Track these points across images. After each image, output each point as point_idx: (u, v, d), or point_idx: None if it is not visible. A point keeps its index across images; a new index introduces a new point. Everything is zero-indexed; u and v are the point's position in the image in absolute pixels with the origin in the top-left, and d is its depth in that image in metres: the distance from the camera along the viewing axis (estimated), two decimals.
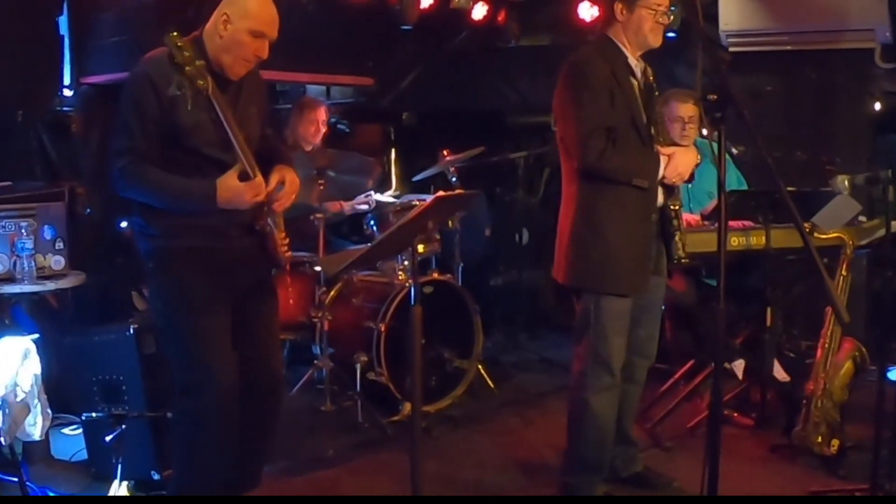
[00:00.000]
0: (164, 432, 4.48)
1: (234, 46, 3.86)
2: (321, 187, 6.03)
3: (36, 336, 4.57)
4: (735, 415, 5.70)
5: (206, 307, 3.95)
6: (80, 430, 5.06)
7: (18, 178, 5.69)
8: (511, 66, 8.52)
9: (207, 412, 3.95)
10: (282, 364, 4.41)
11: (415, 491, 3.88)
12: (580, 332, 4.50)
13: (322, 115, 6.71)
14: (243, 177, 3.83)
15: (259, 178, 3.87)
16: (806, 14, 6.90)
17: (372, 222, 6.21)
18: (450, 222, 6.27)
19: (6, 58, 5.84)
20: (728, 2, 7.06)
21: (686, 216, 5.18)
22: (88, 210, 6.10)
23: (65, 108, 6.50)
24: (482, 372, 6.40)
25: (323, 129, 6.71)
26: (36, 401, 4.43)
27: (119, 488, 4.42)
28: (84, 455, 5.01)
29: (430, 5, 7.42)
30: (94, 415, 4.74)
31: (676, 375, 5.87)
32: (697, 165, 4.50)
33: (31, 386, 4.42)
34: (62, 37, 6.24)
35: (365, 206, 6.68)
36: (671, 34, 6.45)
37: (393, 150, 9.19)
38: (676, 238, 4.45)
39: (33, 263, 4.94)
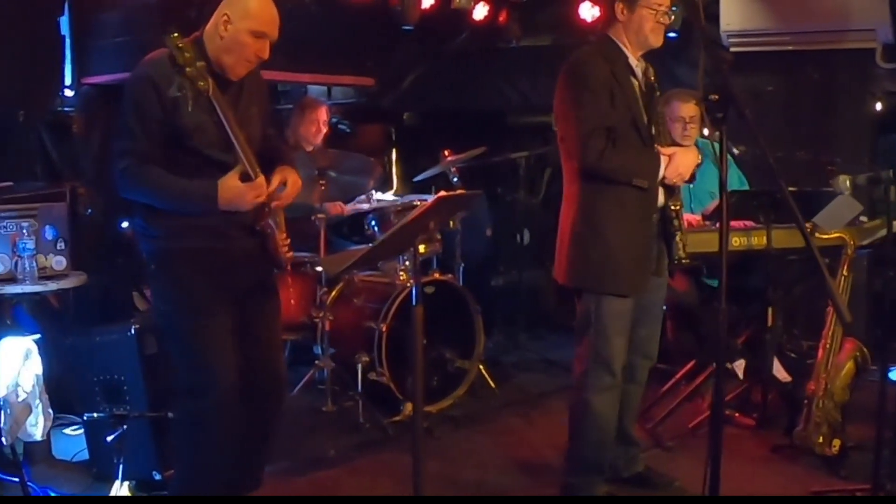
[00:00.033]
0: (166, 432, 4.49)
1: (235, 47, 3.86)
2: (322, 188, 6.03)
3: (37, 336, 4.57)
4: (736, 415, 5.70)
5: (207, 308, 3.95)
6: (82, 431, 5.06)
7: (19, 178, 5.70)
8: (512, 67, 8.51)
9: (209, 413, 3.95)
10: (284, 364, 4.40)
11: (416, 491, 3.87)
12: (581, 333, 4.50)
13: (323, 115, 6.71)
14: (244, 177, 3.83)
15: (261, 178, 3.87)
16: (807, 14, 6.90)
17: (373, 222, 6.21)
18: (451, 222, 6.27)
19: (7, 58, 5.84)
20: (729, 2, 7.05)
21: (687, 216, 5.18)
22: (90, 210, 6.10)
23: (66, 109, 6.51)
24: (483, 372, 6.40)
25: (324, 130, 6.72)
26: (37, 401, 4.43)
27: (120, 488, 4.42)
28: (85, 455, 5.01)
29: (432, 5, 7.42)
30: (95, 415, 4.74)
31: (678, 375, 5.87)
32: (698, 166, 4.50)
33: (33, 386, 4.42)
34: (63, 37, 6.24)
35: (366, 206, 6.68)
36: (672, 34, 6.45)
37: (394, 151, 9.20)
38: (677, 238, 4.45)
39: (35, 264, 4.94)
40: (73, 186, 5.81)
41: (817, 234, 4.95)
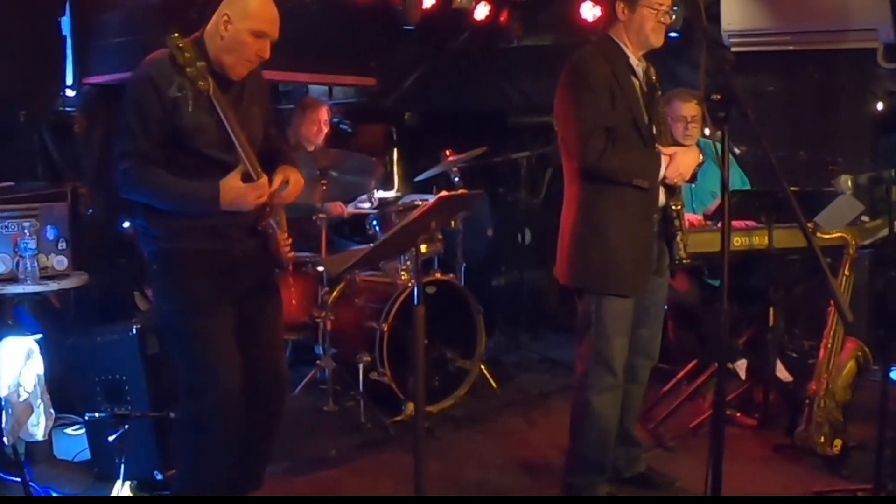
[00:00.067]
0: (167, 432, 4.49)
1: (236, 47, 3.86)
2: (324, 187, 6.03)
3: (39, 336, 4.57)
4: (738, 415, 5.70)
5: (210, 309, 3.95)
6: (83, 431, 5.06)
7: (21, 178, 5.69)
8: (513, 67, 8.51)
9: (211, 413, 3.95)
10: (285, 365, 4.40)
11: (418, 491, 3.87)
12: (582, 333, 4.50)
13: (324, 114, 6.71)
14: (246, 178, 3.82)
15: (263, 178, 3.87)
16: (808, 14, 6.90)
17: (374, 222, 6.21)
18: (452, 222, 6.27)
19: (8, 58, 5.84)
20: (730, 2, 7.05)
21: (688, 216, 5.18)
22: (91, 210, 6.10)
23: (67, 109, 6.50)
24: (485, 372, 6.40)
25: (325, 129, 6.72)
26: (39, 401, 4.43)
27: (122, 488, 4.42)
28: (87, 455, 5.01)
29: (433, 5, 7.42)
30: (96, 415, 4.74)
31: (679, 375, 5.87)
32: (700, 165, 4.50)
33: (34, 386, 4.43)
34: (64, 37, 6.24)
35: (367, 205, 6.68)
36: (673, 34, 6.44)
37: (395, 151, 9.20)
38: (678, 238, 4.44)
39: (36, 264, 4.94)
40: (74, 186, 5.81)
41: (819, 234, 4.94)
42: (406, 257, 6.03)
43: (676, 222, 4.45)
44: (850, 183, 4.86)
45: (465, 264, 6.75)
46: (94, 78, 6.36)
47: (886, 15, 6.64)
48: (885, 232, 5.21)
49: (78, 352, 4.90)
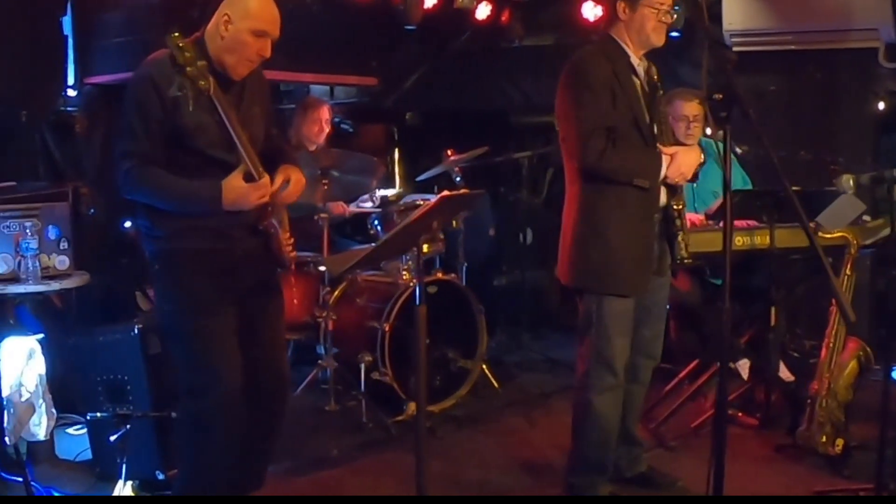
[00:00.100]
0: (169, 432, 4.49)
1: (237, 46, 3.85)
2: (325, 187, 6.03)
3: (40, 336, 4.57)
4: (739, 414, 5.69)
5: (212, 309, 3.95)
6: (85, 430, 5.07)
7: (22, 178, 5.69)
8: (515, 66, 8.51)
9: (212, 414, 3.95)
10: (287, 364, 4.39)
11: (419, 491, 3.87)
12: (583, 333, 4.50)
13: (325, 114, 6.71)
14: (248, 177, 3.82)
15: (265, 178, 3.86)
16: (810, 14, 6.90)
17: (376, 222, 6.22)
18: (454, 222, 6.26)
19: (10, 58, 5.84)
20: (732, 1, 7.06)
21: (690, 216, 5.18)
22: (92, 210, 6.10)
23: (68, 109, 6.51)
24: (486, 372, 6.40)
25: (326, 129, 6.72)
26: (41, 401, 4.44)
27: (123, 488, 4.42)
28: (88, 455, 5.01)
29: (434, 5, 7.43)
30: (98, 415, 4.74)
31: (681, 375, 5.87)
32: (701, 165, 4.49)
33: (36, 386, 4.43)
34: (66, 37, 6.24)
35: (369, 205, 6.68)
36: (675, 34, 6.44)
37: (397, 150, 9.20)
38: (679, 238, 4.44)
39: (38, 263, 4.94)
40: (75, 186, 5.81)
41: (820, 234, 4.93)
42: (407, 257, 6.03)
43: (678, 222, 4.45)
44: (851, 182, 4.86)
45: (466, 264, 6.75)
46: (96, 78, 6.37)
47: (888, 14, 6.64)
48: (886, 231, 5.20)
49: (80, 352, 4.90)
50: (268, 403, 4.19)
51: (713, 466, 3.61)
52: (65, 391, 4.90)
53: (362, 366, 5.82)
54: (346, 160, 6.30)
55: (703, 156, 4.51)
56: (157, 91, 3.78)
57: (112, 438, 4.50)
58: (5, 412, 4.36)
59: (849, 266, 5.04)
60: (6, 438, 4.40)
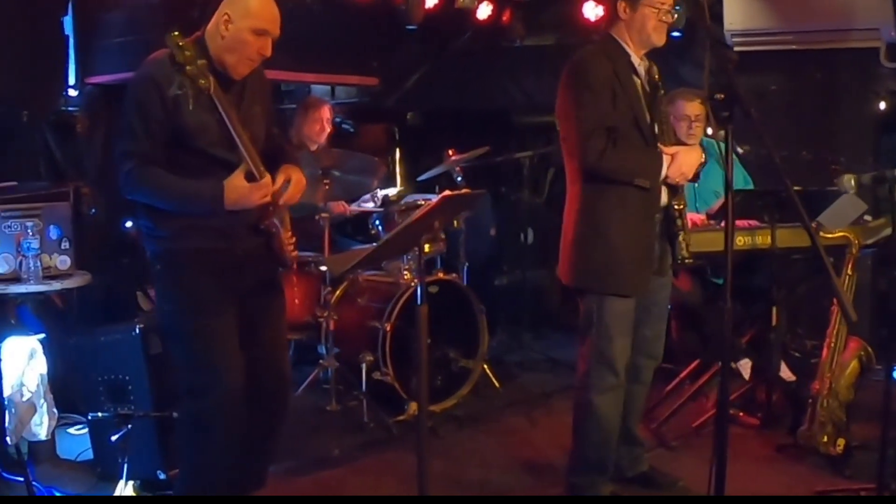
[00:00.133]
0: (170, 432, 4.48)
1: (238, 46, 3.85)
2: (326, 187, 6.03)
3: (42, 336, 4.58)
4: (741, 414, 5.69)
5: (213, 309, 3.94)
6: (86, 430, 5.07)
7: (23, 178, 5.69)
8: (516, 66, 8.52)
9: (212, 414, 3.95)
10: (288, 364, 4.39)
11: (420, 491, 3.87)
12: (584, 333, 4.50)
13: (326, 113, 6.72)
14: (249, 177, 3.82)
15: (267, 178, 3.86)
16: (811, 13, 6.90)
17: (377, 222, 6.22)
18: (455, 222, 6.26)
19: (11, 58, 5.85)
20: (733, 1, 7.05)
21: (691, 216, 5.18)
22: (94, 210, 6.10)
23: (70, 109, 6.51)
24: (487, 371, 6.40)
25: (328, 128, 6.73)
26: (42, 400, 4.44)
27: (125, 488, 4.42)
28: (90, 455, 5.01)
29: (435, 5, 7.43)
30: (99, 414, 4.74)
31: (682, 375, 5.87)
32: (702, 165, 4.49)
33: (37, 386, 4.44)
34: (67, 37, 6.25)
35: (370, 205, 6.68)
36: (676, 34, 6.44)
37: (398, 150, 9.20)
38: (680, 238, 4.43)
39: (39, 263, 4.94)
40: (76, 186, 5.81)
41: (822, 234, 4.93)
42: (408, 257, 6.03)
43: (679, 222, 4.45)
44: (853, 182, 4.86)
45: (467, 264, 6.76)
46: (97, 78, 6.37)
47: (889, 14, 6.64)
48: (887, 231, 5.21)
49: (81, 351, 4.90)
50: (269, 403, 4.19)
51: (715, 466, 3.60)
52: (66, 391, 4.91)
53: (363, 365, 5.81)
54: (347, 160, 6.30)
55: (704, 156, 4.51)
56: (158, 91, 3.77)
57: (113, 438, 4.50)
58: (7, 412, 4.37)
59: (850, 266, 5.04)
60: (8, 438, 4.41)
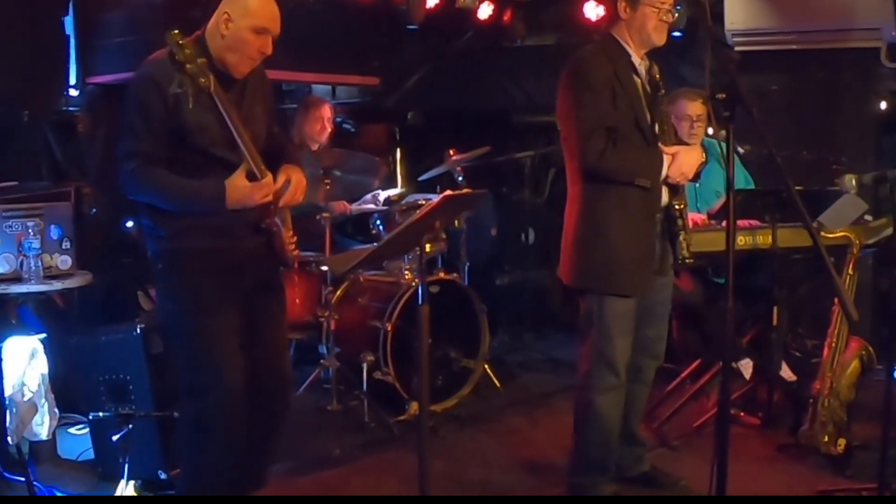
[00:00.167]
0: (171, 432, 4.48)
1: (238, 45, 3.85)
2: (327, 187, 6.04)
3: (43, 336, 4.58)
4: (742, 414, 5.69)
5: (215, 308, 3.94)
6: (87, 430, 5.07)
7: (24, 178, 5.69)
8: (517, 66, 8.51)
9: (212, 414, 3.95)
10: (289, 364, 4.39)
11: (421, 491, 3.87)
12: (584, 333, 4.50)
13: (327, 112, 6.72)
14: (250, 176, 3.81)
15: (268, 177, 3.85)
16: (812, 13, 6.90)
17: (378, 222, 6.21)
18: (456, 222, 6.27)
19: (12, 58, 5.85)
20: (734, 1, 7.05)
21: (692, 215, 5.17)
22: (94, 210, 6.10)
23: (70, 108, 6.51)
24: (488, 371, 6.40)
25: (329, 127, 6.73)
26: (43, 400, 4.44)
27: (126, 488, 4.42)
28: (91, 454, 5.01)
29: (436, 5, 7.43)
30: (100, 414, 4.74)
31: (683, 375, 5.86)
32: (703, 164, 4.49)
33: (38, 385, 4.44)
34: (68, 37, 6.25)
35: (372, 206, 6.68)
36: (677, 33, 6.44)
37: (399, 150, 9.20)
38: (681, 238, 4.43)
39: (40, 263, 4.94)
40: (77, 186, 5.81)
41: (823, 234, 4.93)
42: (410, 256, 6.03)
43: (679, 221, 4.44)
44: (854, 182, 4.86)
45: (468, 264, 6.76)
46: (98, 77, 6.37)
47: (890, 14, 6.64)
48: (889, 231, 5.21)
49: (82, 351, 4.91)
50: (270, 403, 4.19)
51: (716, 466, 3.60)
52: (67, 391, 4.90)
53: (364, 365, 5.82)
54: (348, 160, 6.31)
55: (705, 155, 4.50)
56: (159, 90, 3.77)
57: (114, 438, 4.50)
58: (8, 412, 4.37)
59: (851, 266, 5.04)
60: (9, 438, 4.41)
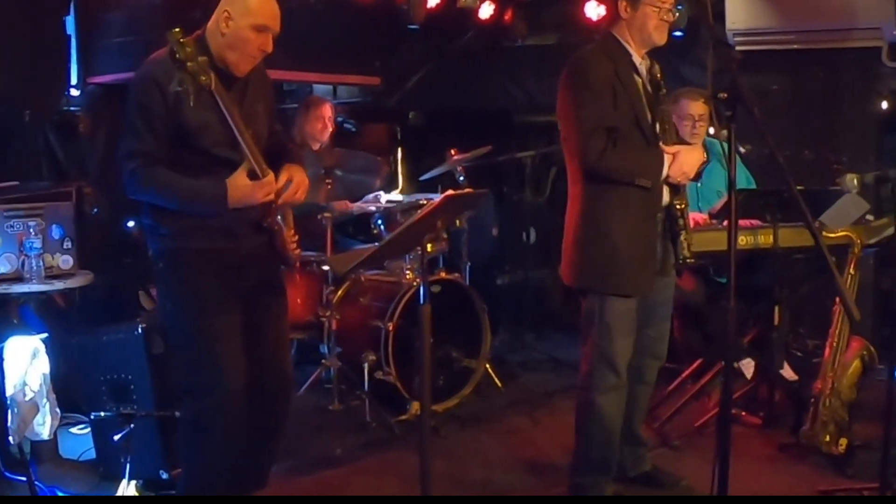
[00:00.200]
0: (173, 431, 4.48)
1: (239, 43, 3.85)
2: (329, 186, 6.04)
3: (44, 335, 4.57)
4: (743, 414, 5.69)
5: (216, 308, 3.94)
6: (89, 430, 5.07)
7: (25, 177, 5.70)
8: (518, 66, 8.51)
9: (212, 414, 3.95)
10: (290, 364, 4.39)
11: (423, 490, 3.87)
12: (586, 333, 4.50)
13: (328, 111, 6.72)
14: (251, 175, 3.82)
15: (270, 175, 3.86)
16: (813, 13, 6.89)
17: (379, 221, 6.21)
18: (457, 221, 6.27)
19: (13, 57, 5.85)
20: (735, 1, 7.05)
21: (694, 215, 5.17)
22: (96, 210, 6.10)
23: (72, 108, 6.51)
24: (489, 371, 6.40)
25: (330, 126, 6.73)
26: (44, 400, 4.44)
27: (127, 488, 4.42)
28: (92, 454, 5.02)
29: (437, 5, 7.43)
30: (102, 414, 4.74)
31: (684, 374, 5.86)
32: (704, 164, 4.49)
33: (40, 385, 4.43)
34: (69, 36, 6.25)
35: (373, 208, 6.69)
36: (678, 33, 6.44)
37: (400, 150, 9.20)
38: (682, 238, 4.43)
39: (41, 263, 4.95)
40: (79, 186, 5.81)
41: (824, 233, 4.93)
42: (411, 256, 6.03)
43: (680, 221, 4.43)
44: (855, 181, 4.86)
45: (469, 263, 6.76)
46: (99, 77, 6.37)
47: (891, 13, 6.63)
48: (890, 231, 5.22)
49: (83, 351, 4.91)
50: (271, 403, 4.19)
51: (717, 466, 3.60)
52: (68, 391, 4.90)
53: (366, 365, 5.81)
54: (349, 159, 6.31)
55: (706, 155, 4.50)
56: (160, 89, 3.77)
57: (116, 438, 4.50)
58: (9, 412, 4.37)
59: (852, 265, 5.04)
60: (10, 438, 4.40)
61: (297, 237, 4.14)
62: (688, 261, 4.43)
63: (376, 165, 6.63)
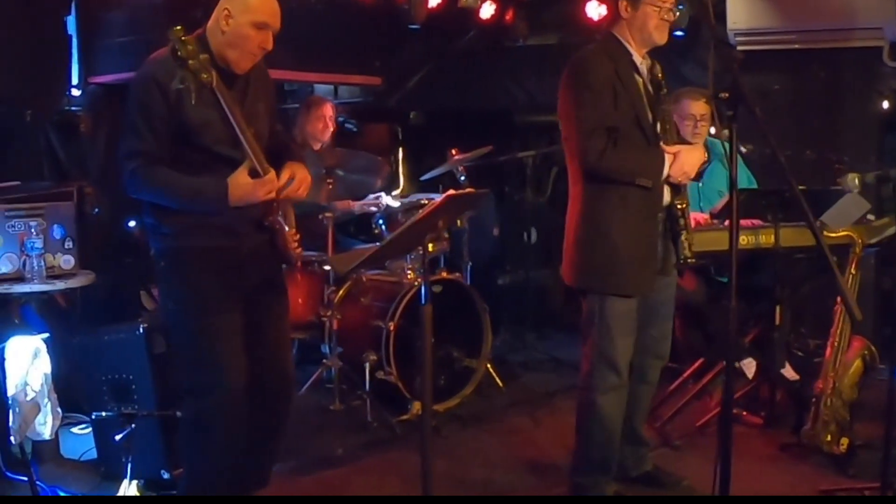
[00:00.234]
0: (174, 431, 4.48)
1: (239, 41, 3.85)
2: (330, 186, 6.04)
3: (45, 335, 4.57)
4: (744, 413, 5.69)
5: (217, 307, 3.94)
6: (90, 430, 5.07)
7: (27, 177, 5.70)
8: (519, 66, 8.51)
9: (213, 413, 3.95)
10: (292, 363, 4.39)
11: (424, 490, 3.87)
12: (586, 333, 4.49)
13: (329, 111, 6.72)
14: (253, 173, 3.82)
15: (271, 173, 3.86)
16: (814, 12, 6.89)
17: (381, 221, 6.21)
18: (458, 221, 6.27)
19: (14, 57, 5.85)
20: (736, 1, 7.05)
21: (695, 215, 5.17)
22: (97, 209, 6.10)
23: (73, 108, 6.51)
24: (491, 371, 6.40)
25: (331, 126, 6.73)
26: (46, 400, 4.44)
27: (129, 488, 4.42)
28: (94, 454, 5.02)
29: (438, 4, 7.43)
30: (103, 414, 4.74)
31: (686, 374, 5.86)
32: (705, 164, 4.48)
33: (41, 385, 4.43)
34: (70, 36, 6.25)
35: (374, 208, 6.69)
36: (679, 33, 6.44)
37: (401, 150, 9.20)
38: (683, 237, 4.42)
39: (43, 263, 4.95)
40: (80, 185, 5.82)
41: (825, 233, 4.93)
42: (412, 256, 6.03)
43: (681, 221, 4.43)
44: (856, 181, 4.87)
45: (470, 263, 6.75)
46: (100, 77, 6.37)
47: (892, 13, 6.63)
48: (891, 230, 5.22)
49: (84, 351, 4.91)
50: (272, 403, 4.19)
51: (719, 465, 3.60)
52: (70, 390, 4.90)
53: (367, 365, 5.81)
54: (350, 159, 6.31)
55: (707, 155, 4.50)
56: (160, 88, 3.78)
57: (117, 438, 4.50)
58: (11, 411, 4.36)
59: (853, 265, 5.04)
60: (12, 438, 4.40)
61: (298, 236, 4.14)
62: (689, 260, 4.43)
63: (377, 165, 6.63)
